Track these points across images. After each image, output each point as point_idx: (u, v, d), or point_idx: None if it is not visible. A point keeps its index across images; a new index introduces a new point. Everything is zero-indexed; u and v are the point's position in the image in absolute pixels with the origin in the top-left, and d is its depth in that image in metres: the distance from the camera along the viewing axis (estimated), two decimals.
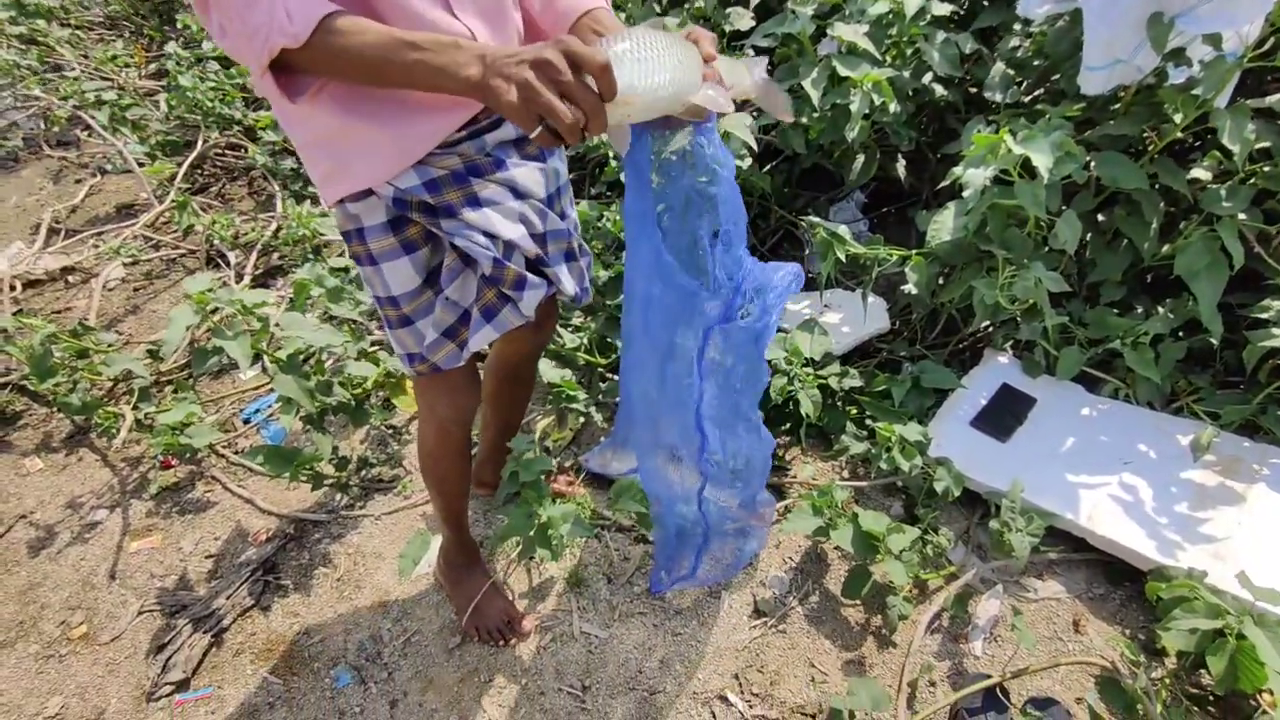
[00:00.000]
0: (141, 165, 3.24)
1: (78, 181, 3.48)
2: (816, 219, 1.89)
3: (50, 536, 1.89)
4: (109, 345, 2.13)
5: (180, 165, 3.13)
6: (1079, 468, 1.78)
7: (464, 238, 1.06)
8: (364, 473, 1.99)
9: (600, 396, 2.03)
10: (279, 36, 0.79)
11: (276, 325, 1.55)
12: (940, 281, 1.99)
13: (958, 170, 1.71)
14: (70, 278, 2.82)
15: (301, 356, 1.65)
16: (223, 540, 1.86)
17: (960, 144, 2.01)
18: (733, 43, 2.30)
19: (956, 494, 1.67)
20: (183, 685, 1.56)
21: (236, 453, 2.08)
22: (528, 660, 1.58)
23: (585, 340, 2.00)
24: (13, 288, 2.71)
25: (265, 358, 1.64)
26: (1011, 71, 1.98)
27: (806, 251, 2.64)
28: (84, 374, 2.09)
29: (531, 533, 1.46)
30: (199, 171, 3.40)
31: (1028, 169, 1.64)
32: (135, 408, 2.04)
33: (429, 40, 0.79)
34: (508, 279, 1.12)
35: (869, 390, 1.96)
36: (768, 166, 2.43)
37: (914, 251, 1.90)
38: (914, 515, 1.77)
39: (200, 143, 3.28)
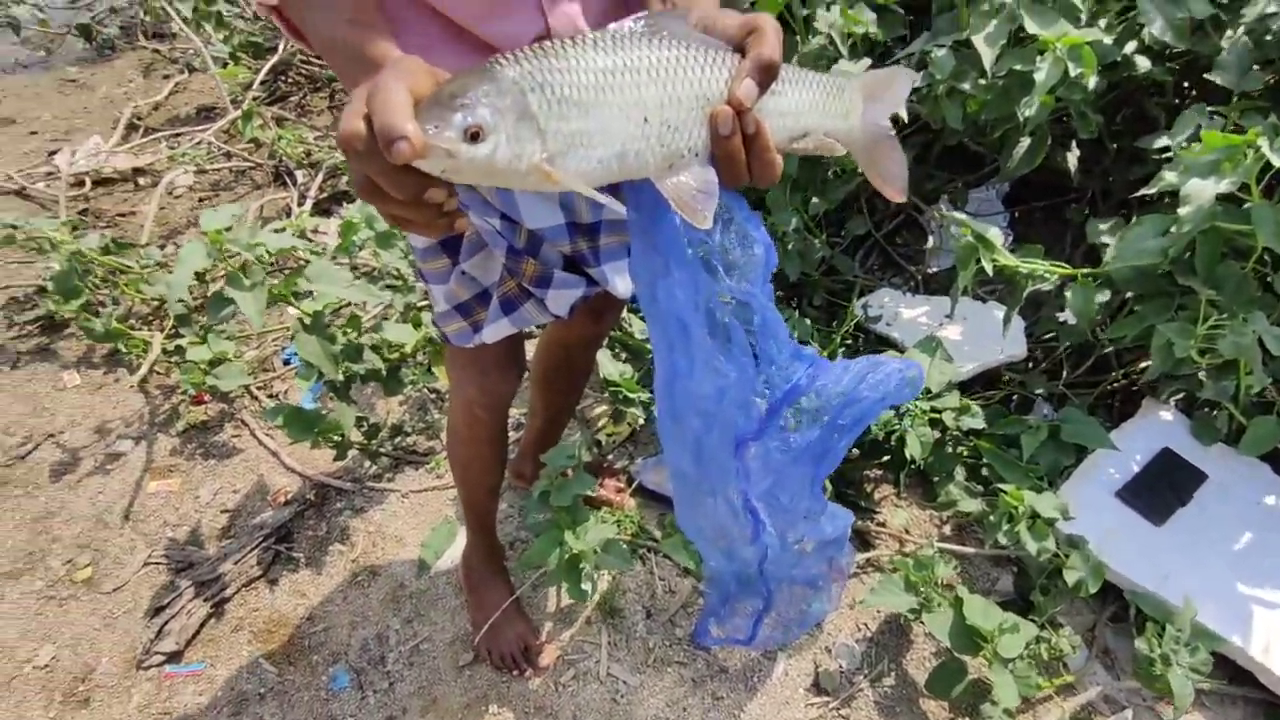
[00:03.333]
0: (226, 66, 3.08)
1: (165, 77, 3.38)
2: (962, 216, 1.52)
3: (74, 462, 1.80)
4: (152, 262, 2.00)
5: (259, 71, 2.96)
6: (1255, 576, 1.40)
7: (478, 214, 0.85)
8: (397, 440, 1.80)
9: None
10: None
11: (305, 276, 1.34)
12: (1104, 308, 1.59)
13: (1170, 176, 1.30)
14: (140, 179, 2.72)
15: (332, 311, 1.44)
16: (241, 494, 1.72)
17: (1166, 137, 1.57)
18: None
19: (1093, 590, 1.33)
20: (175, 657, 1.44)
21: (271, 396, 1.93)
22: (543, 696, 1.37)
23: None
24: (82, 184, 2.62)
25: (291, 308, 1.43)
26: (1255, 50, 1.51)
27: (930, 243, 2.24)
28: (125, 290, 1.97)
29: (557, 565, 1.23)
30: (283, 78, 3.23)
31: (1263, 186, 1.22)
32: (170, 335, 1.90)
33: (352, 56, 0.62)
34: (526, 273, 0.92)
35: (991, 433, 1.61)
36: (902, 137, 2.02)
37: (1081, 271, 1.50)
38: (1027, 599, 1.44)
39: (282, 47, 3.09)
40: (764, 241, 0.67)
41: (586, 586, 1.27)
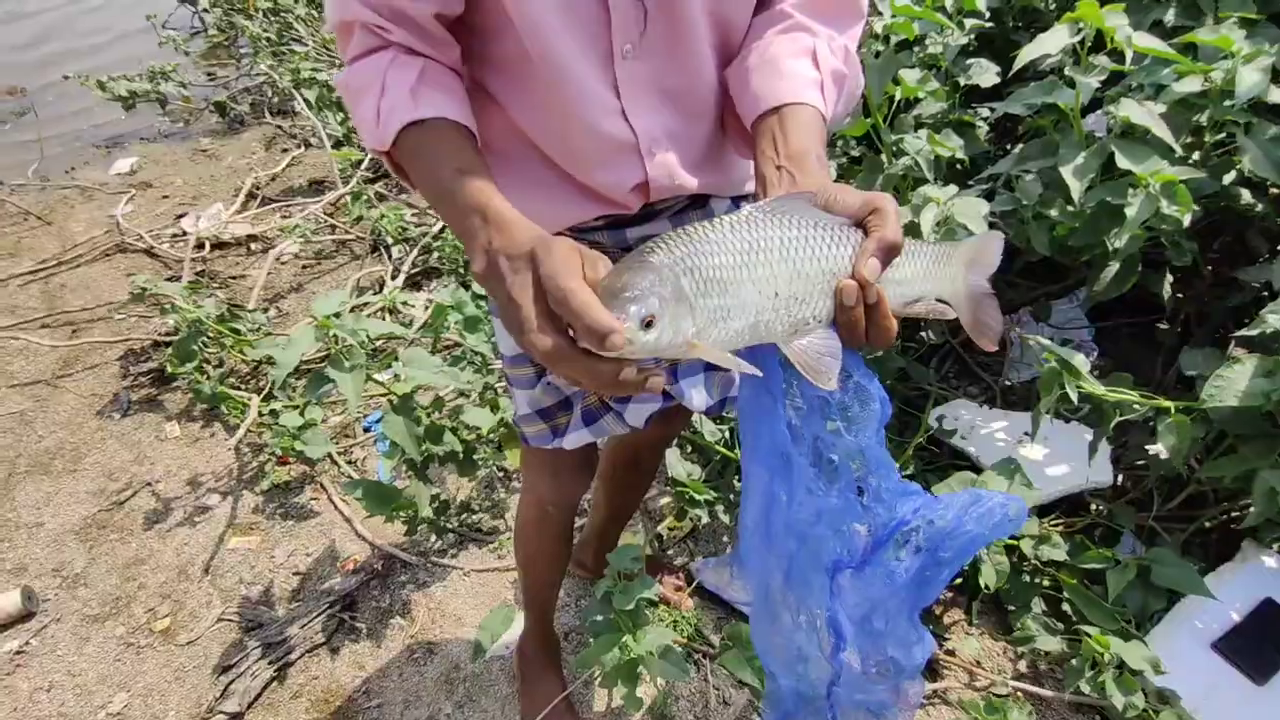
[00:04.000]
0: (340, 146, 3.36)
1: (284, 151, 3.70)
2: (1046, 341, 1.49)
3: (166, 511, 1.91)
4: (258, 327, 2.15)
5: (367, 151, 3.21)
6: None
7: None
8: (464, 516, 1.84)
9: (733, 496, 1.74)
10: (368, 137, 0.72)
11: (397, 360, 1.43)
12: (1199, 442, 1.52)
13: (1273, 320, 1.26)
14: (253, 245, 2.96)
15: (418, 392, 1.51)
16: (314, 558, 1.78)
17: (1266, 272, 1.52)
18: (970, 102, 1.93)
19: None
20: (237, 718, 1.48)
21: (349, 462, 2.02)
22: None
23: (726, 434, 1.73)
24: (201, 246, 2.87)
25: (381, 388, 1.51)
26: None
27: (1010, 354, 2.20)
28: (231, 353, 2.12)
29: (614, 669, 1.22)
30: None
31: None
32: (267, 398, 2.03)
33: (458, 205, 0.66)
34: None
35: (1074, 565, 1.53)
36: None
37: (1174, 405, 1.45)
38: None
39: None
40: (880, 397, 0.70)
41: (641, 693, 1.25)
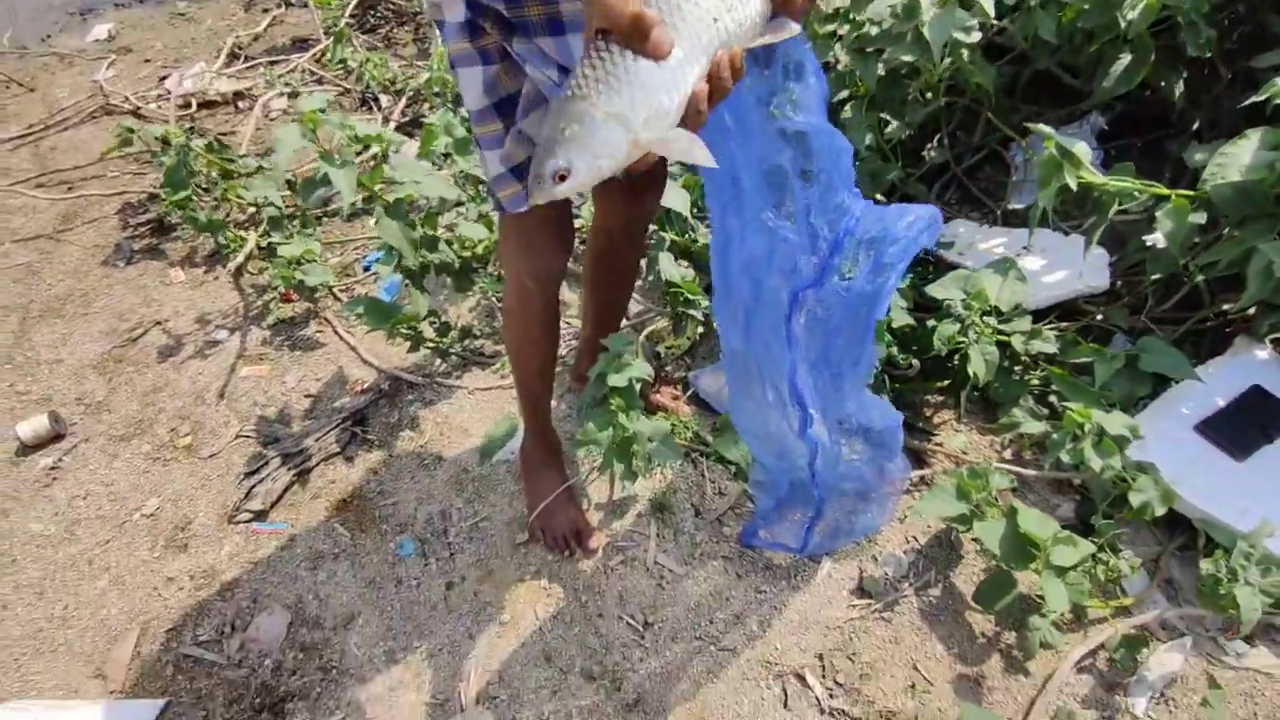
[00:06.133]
0: None
1: (265, 10, 3.54)
2: (1046, 128, 1.45)
3: (178, 346, 1.96)
4: (252, 169, 2.13)
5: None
6: None
7: (535, 67, 0.87)
8: (466, 342, 1.88)
9: None
10: None
11: (388, 166, 1.42)
12: (1198, 233, 1.50)
13: None
14: (241, 103, 2.88)
15: (411, 206, 1.51)
16: (323, 382, 1.84)
17: None
18: None
19: (1159, 513, 1.29)
20: (261, 515, 1.57)
21: (351, 298, 2.04)
22: (592, 577, 1.44)
23: None
24: (188, 105, 2.80)
25: (375, 200, 1.51)
26: None
27: (1013, 178, 2.15)
28: (226, 195, 2.10)
29: (611, 445, 1.27)
30: (372, 13, 3.34)
31: None
32: (264, 234, 2.03)
33: None
34: None
35: (1063, 360, 1.55)
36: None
37: (1174, 192, 1.42)
38: (1088, 524, 1.41)
39: None
40: (815, 69, 0.71)
41: (639, 466, 1.30)
